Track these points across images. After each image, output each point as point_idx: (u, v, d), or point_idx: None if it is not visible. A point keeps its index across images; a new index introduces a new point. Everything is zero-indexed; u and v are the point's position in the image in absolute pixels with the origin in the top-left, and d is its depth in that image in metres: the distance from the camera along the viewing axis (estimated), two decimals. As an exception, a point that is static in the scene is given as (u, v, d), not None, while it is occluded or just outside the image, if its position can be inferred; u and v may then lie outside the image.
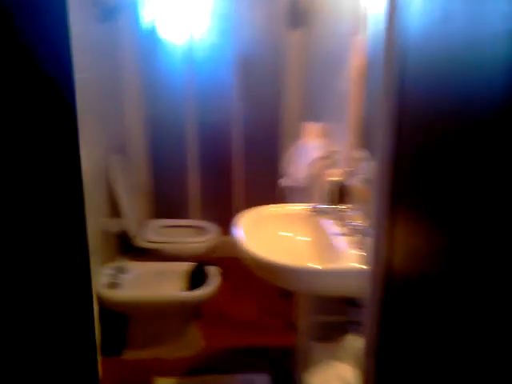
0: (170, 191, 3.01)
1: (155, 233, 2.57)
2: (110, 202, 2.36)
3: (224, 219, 2.87)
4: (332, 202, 1.70)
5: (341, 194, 1.72)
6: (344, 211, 1.60)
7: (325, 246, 1.55)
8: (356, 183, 1.63)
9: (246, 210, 1.74)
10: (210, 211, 3.01)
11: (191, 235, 2.63)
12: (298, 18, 2.64)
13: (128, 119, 2.80)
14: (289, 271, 1.30)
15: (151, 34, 2.72)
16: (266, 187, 2.95)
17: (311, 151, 2.09)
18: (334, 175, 1.77)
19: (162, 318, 2.08)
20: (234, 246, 1.47)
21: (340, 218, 1.59)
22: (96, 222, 2.14)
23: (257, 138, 2.92)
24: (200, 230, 2.67)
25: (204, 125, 2.88)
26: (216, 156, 2.97)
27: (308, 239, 1.69)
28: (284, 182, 2.33)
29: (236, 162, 2.95)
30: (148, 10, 2.70)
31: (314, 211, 1.64)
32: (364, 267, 1.25)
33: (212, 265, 2.22)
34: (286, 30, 2.71)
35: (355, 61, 1.62)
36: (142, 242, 2.46)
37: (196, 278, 2.14)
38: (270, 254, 1.41)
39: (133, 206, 2.52)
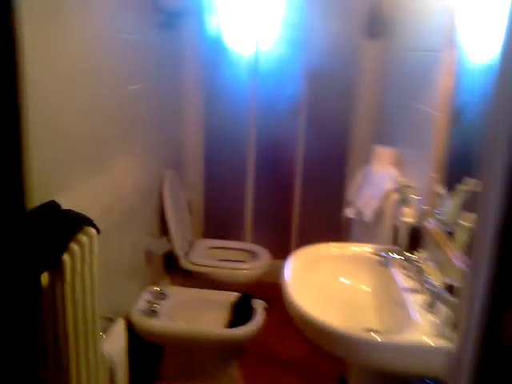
0: (222, 210, 2.83)
1: (203, 254, 2.41)
2: (159, 219, 2.23)
3: (277, 243, 2.66)
4: (402, 247, 1.43)
5: (413, 238, 1.45)
6: (416, 260, 1.32)
7: (389, 302, 1.28)
8: (433, 227, 1.36)
9: (303, 247, 1.51)
10: (263, 234, 2.79)
11: (240, 259, 2.44)
12: (377, 27, 2.36)
13: (187, 132, 2.68)
14: (337, 337, 1.05)
15: (216, 42, 2.58)
16: (327, 215, 2.69)
17: (381, 181, 1.81)
18: (407, 214, 1.49)
19: (198, 352, 1.90)
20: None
21: (410, 269, 1.32)
22: (141, 241, 2.01)
23: (321, 159, 2.67)
24: (250, 254, 2.47)
25: (265, 142, 2.68)
26: (275, 176, 2.75)
27: (370, 290, 1.42)
28: (348, 212, 2.06)
29: (296, 185, 2.72)
30: (214, 18, 2.56)
31: (381, 256, 1.37)
32: (436, 342, 0.98)
33: (258, 297, 2.00)
34: (363, 42, 2.44)
35: (443, 81, 1.34)
36: (188, 264, 2.30)
37: (240, 311, 1.93)
38: (320, 307, 1.18)
39: (182, 224, 2.37)
